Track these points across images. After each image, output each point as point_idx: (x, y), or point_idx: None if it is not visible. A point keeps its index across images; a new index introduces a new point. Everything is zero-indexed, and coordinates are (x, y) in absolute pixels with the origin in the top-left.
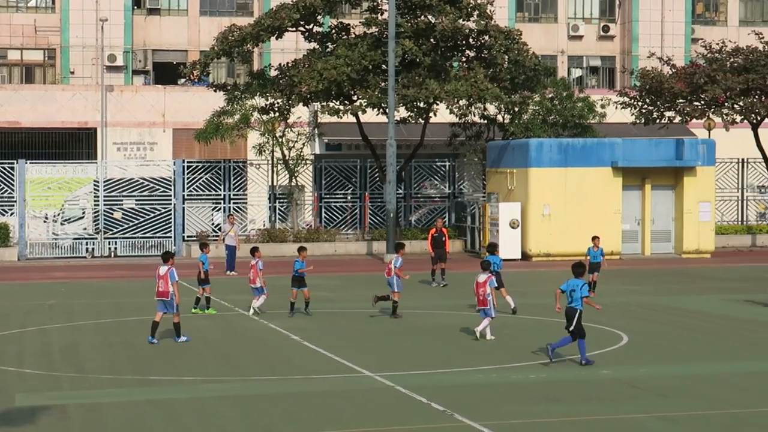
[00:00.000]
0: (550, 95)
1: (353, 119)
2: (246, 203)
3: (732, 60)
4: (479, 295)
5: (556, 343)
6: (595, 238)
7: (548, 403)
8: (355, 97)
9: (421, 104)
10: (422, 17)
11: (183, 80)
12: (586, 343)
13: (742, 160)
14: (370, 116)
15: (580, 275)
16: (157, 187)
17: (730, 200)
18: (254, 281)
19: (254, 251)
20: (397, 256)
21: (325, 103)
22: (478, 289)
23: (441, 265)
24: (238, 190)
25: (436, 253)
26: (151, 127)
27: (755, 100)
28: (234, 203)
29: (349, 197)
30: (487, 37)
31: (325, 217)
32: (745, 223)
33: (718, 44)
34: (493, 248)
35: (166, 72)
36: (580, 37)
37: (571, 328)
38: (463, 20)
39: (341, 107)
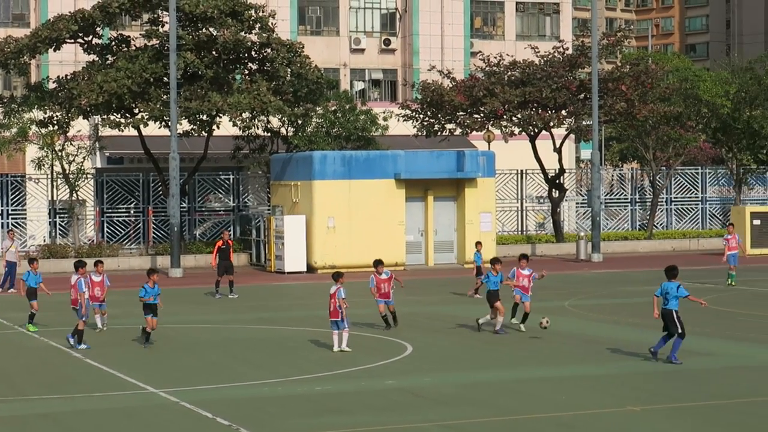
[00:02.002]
0: (333, 108)
1: (135, 132)
2: (25, 218)
3: (509, 73)
4: (331, 306)
5: (656, 345)
6: (477, 244)
7: (333, 414)
8: (136, 110)
9: (204, 117)
10: (204, 30)
11: None
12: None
13: (521, 171)
14: (153, 129)
15: (674, 278)
16: None
17: (510, 210)
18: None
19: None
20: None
21: (105, 116)
22: (330, 300)
23: (229, 278)
24: (16, 205)
25: (223, 266)
26: None
27: (532, 112)
28: (12, 218)
29: (132, 211)
30: (269, 50)
31: (107, 231)
32: (524, 232)
33: (496, 58)
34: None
35: None
36: (362, 50)
37: (679, 330)
38: (245, 33)
39: (122, 120)
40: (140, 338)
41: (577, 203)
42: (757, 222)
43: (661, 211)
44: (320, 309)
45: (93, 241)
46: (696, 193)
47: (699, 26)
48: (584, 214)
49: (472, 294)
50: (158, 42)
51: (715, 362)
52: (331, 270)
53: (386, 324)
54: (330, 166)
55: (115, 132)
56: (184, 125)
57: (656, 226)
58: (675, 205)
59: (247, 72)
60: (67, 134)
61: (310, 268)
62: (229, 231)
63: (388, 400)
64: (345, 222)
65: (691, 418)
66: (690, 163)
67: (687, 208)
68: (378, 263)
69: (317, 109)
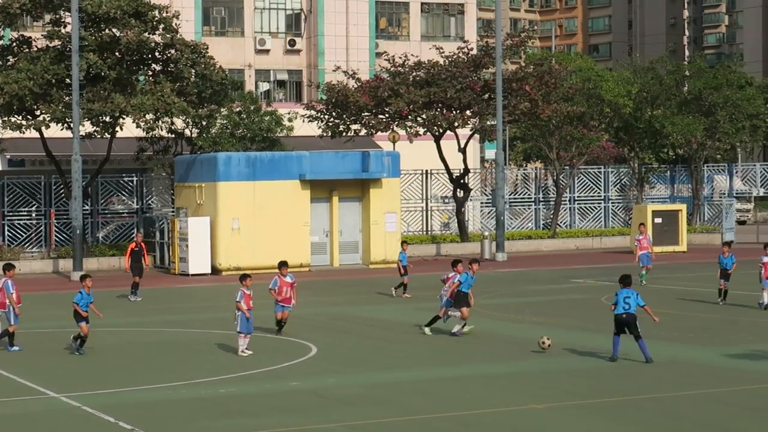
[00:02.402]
0: (237, 109)
1: (37, 134)
2: None
3: (414, 74)
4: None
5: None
6: (403, 243)
7: (237, 416)
8: (38, 112)
9: (107, 118)
10: (107, 30)
11: None
12: None
13: (426, 171)
14: (55, 131)
15: (629, 285)
16: None
17: (416, 211)
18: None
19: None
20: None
21: (6, 118)
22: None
23: (137, 279)
24: None
25: (135, 267)
26: None
27: (437, 113)
28: None
29: (33, 214)
30: (173, 51)
31: (8, 235)
32: (429, 232)
33: (400, 58)
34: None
35: None
36: (267, 51)
37: (639, 332)
38: (149, 34)
39: (23, 122)
40: (72, 346)
41: (481, 203)
42: (658, 220)
43: (565, 210)
44: (225, 311)
45: None
46: (599, 192)
47: (602, 27)
48: (489, 213)
49: (398, 292)
50: (60, 43)
51: (619, 359)
52: (237, 272)
53: (278, 328)
54: (234, 168)
55: (17, 134)
56: (87, 127)
57: (560, 225)
58: (578, 204)
59: (150, 73)
60: None
61: (215, 270)
62: (142, 233)
63: (293, 402)
64: (250, 223)
65: (596, 416)
66: (593, 162)
67: (590, 207)
68: (282, 265)
69: (222, 110)
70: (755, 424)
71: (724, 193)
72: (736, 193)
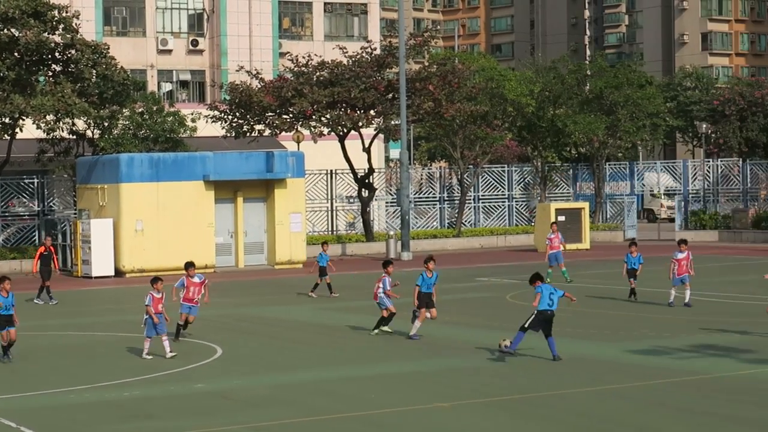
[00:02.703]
0: (140, 110)
1: None
2: None
3: (318, 74)
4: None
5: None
6: (324, 244)
7: (142, 420)
8: None
9: (7, 119)
10: (5, 30)
11: None
12: None
13: (331, 171)
14: None
15: (543, 280)
16: None
17: (321, 211)
18: None
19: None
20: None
21: None
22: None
23: (46, 283)
24: None
25: (44, 271)
26: None
27: (341, 112)
28: None
29: None
30: (73, 51)
31: None
32: (335, 232)
33: (304, 58)
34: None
35: None
36: (170, 51)
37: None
38: (49, 34)
39: None
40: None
41: (386, 202)
42: (562, 218)
43: (469, 209)
44: (129, 313)
45: None
46: (503, 191)
47: (504, 26)
48: (394, 213)
49: (314, 292)
50: None
51: (523, 356)
52: (140, 274)
53: (177, 333)
54: (137, 169)
55: None
56: None
57: (464, 224)
58: (482, 202)
59: (51, 74)
60: None
61: (119, 272)
62: (51, 237)
63: (198, 404)
64: (153, 225)
65: (501, 413)
66: (497, 161)
67: (494, 205)
68: (189, 265)
69: (124, 110)
70: (656, 419)
71: (654, 190)
72: (666, 190)
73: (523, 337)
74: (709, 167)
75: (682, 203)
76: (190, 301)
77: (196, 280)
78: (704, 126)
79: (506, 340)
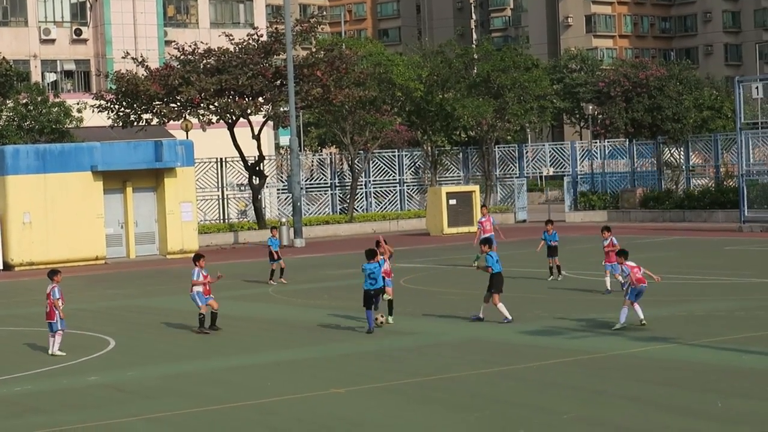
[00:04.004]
0: (24, 101)
1: None
2: None
3: (205, 62)
4: (47, 306)
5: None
6: (273, 229)
7: (33, 414)
8: None
9: None
10: None
11: None
12: None
13: (221, 159)
14: None
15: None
16: None
17: (212, 199)
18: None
19: (53, 275)
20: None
21: None
22: (47, 301)
23: None
24: None
25: None
26: None
27: (229, 100)
28: None
29: None
30: None
31: None
32: (227, 221)
33: (190, 46)
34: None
35: None
36: (53, 41)
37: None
38: None
39: None
40: None
41: (278, 189)
42: (452, 202)
43: (361, 194)
44: (19, 307)
45: None
46: (394, 176)
47: (390, 11)
48: (285, 200)
49: (276, 279)
50: None
51: (414, 340)
52: (30, 267)
53: (213, 322)
54: (23, 161)
55: None
56: None
57: (356, 210)
58: (374, 188)
59: None
60: None
61: (7, 266)
62: None
63: (90, 397)
64: (42, 217)
65: (394, 397)
66: (387, 146)
67: (386, 190)
68: (198, 257)
69: (7, 102)
70: (550, 398)
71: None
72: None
73: (370, 315)
74: (596, 148)
75: (571, 185)
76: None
77: (204, 272)
78: (590, 107)
79: (381, 316)
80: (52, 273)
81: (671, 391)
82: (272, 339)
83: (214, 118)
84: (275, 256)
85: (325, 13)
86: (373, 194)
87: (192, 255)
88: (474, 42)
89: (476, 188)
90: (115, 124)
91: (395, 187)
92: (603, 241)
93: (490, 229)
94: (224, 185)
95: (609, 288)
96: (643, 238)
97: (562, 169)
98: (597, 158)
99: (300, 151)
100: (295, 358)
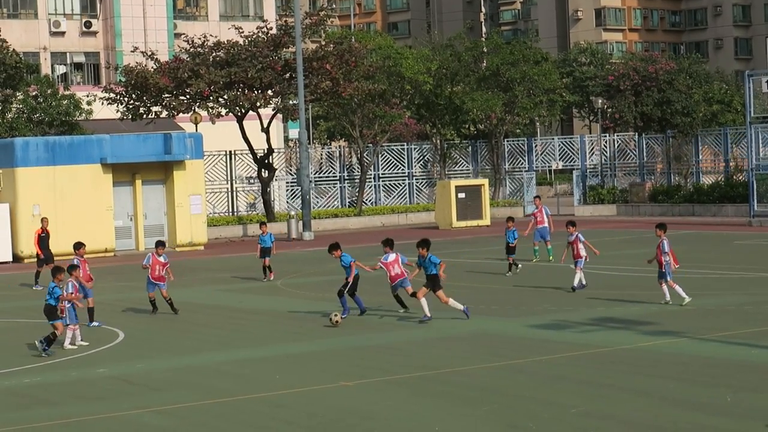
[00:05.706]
0: (34, 93)
1: None
2: None
3: (214, 54)
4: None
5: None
6: (262, 225)
7: (44, 406)
8: None
9: None
10: None
11: None
12: None
13: (230, 152)
14: None
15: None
16: None
17: (221, 192)
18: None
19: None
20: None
21: None
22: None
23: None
24: None
25: (46, 255)
26: None
27: (239, 93)
28: None
29: None
30: None
31: None
32: (235, 213)
33: (200, 39)
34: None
35: None
36: (63, 33)
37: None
38: None
39: None
40: None
41: (287, 182)
42: (461, 195)
43: (370, 187)
44: (28, 299)
45: None
46: (403, 169)
47: (400, 4)
48: (294, 193)
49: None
50: None
51: (422, 334)
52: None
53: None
54: (33, 153)
55: None
56: None
57: (365, 203)
58: (383, 181)
59: None
60: None
61: (17, 258)
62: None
63: (100, 389)
64: (51, 209)
65: (402, 390)
66: (396, 139)
67: (395, 183)
68: (160, 244)
69: (17, 94)
70: (557, 392)
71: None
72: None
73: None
74: (605, 142)
75: (580, 178)
76: (158, 279)
77: (161, 259)
78: (600, 101)
79: (335, 315)
80: (70, 268)
81: (680, 385)
82: (281, 332)
83: (224, 111)
84: (266, 252)
85: (334, 6)
86: (382, 187)
87: (200, 246)
88: (483, 35)
89: (485, 182)
90: (125, 117)
91: (404, 180)
92: (568, 236)
93: (543, 220)
94: (233, 178)
95: (576, 285)
96: (652, 233)
97: (572, 163)
98: (606, 152)
99: (309, 144)
100: (304, 351)
